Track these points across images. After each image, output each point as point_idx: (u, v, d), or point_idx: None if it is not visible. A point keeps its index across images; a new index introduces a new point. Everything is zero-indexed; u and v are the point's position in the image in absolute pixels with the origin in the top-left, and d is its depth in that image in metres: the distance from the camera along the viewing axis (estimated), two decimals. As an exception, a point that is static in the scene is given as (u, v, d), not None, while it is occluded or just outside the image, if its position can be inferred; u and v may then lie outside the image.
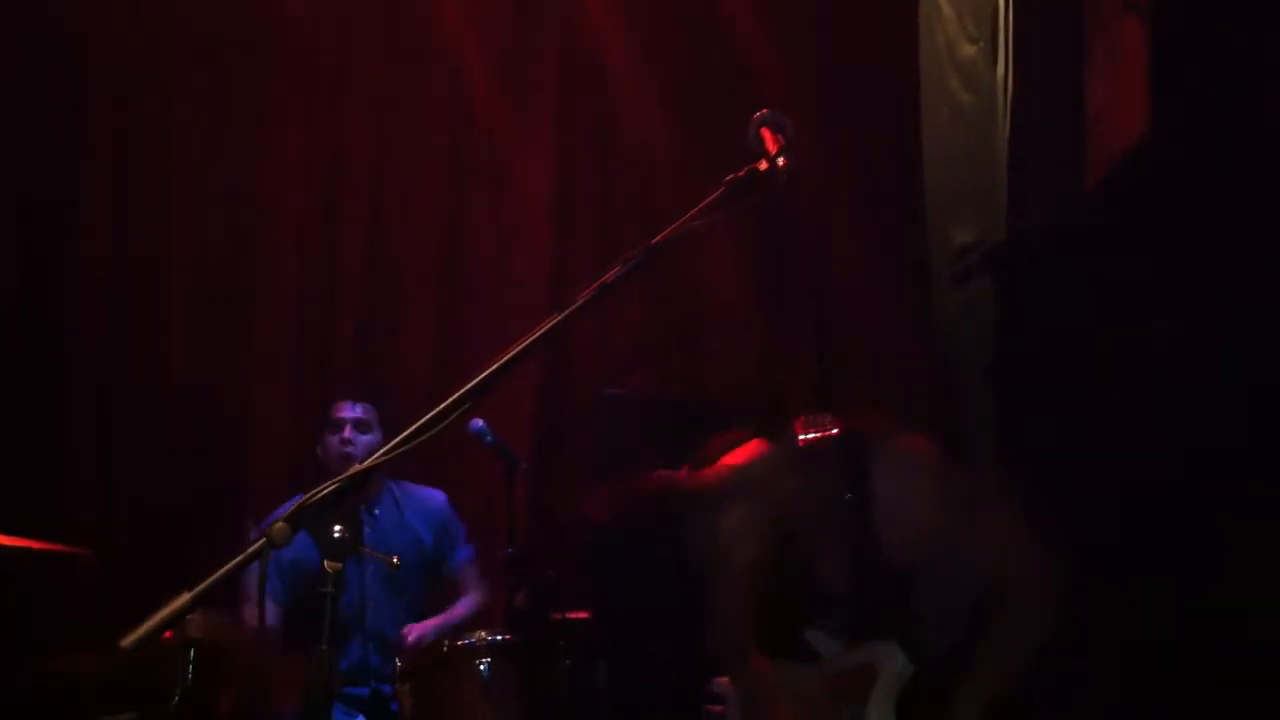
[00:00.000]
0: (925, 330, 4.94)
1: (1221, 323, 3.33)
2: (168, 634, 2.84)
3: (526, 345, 1.86)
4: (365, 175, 5.49)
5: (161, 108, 5.46)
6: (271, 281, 5.42)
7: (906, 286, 5.05)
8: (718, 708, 3.85)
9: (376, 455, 1.83)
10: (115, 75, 5.44)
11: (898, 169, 5.10)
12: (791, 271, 5.32)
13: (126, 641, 1.70)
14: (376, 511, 4.27)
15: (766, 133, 1.99)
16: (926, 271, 4.93)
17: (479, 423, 3.92)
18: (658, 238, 1.93)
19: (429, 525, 4.34)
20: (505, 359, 1.84)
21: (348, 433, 4.25)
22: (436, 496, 4.42)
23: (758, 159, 1.97)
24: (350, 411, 4.31)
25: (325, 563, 1.84)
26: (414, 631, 4.00)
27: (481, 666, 3.26)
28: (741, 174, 1.96)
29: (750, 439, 2.48)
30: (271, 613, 3.98)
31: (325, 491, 1.77)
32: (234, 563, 1.76)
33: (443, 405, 1.81)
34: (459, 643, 3.32)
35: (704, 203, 1.96)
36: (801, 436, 2.42)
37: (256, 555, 1.75)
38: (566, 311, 1.88)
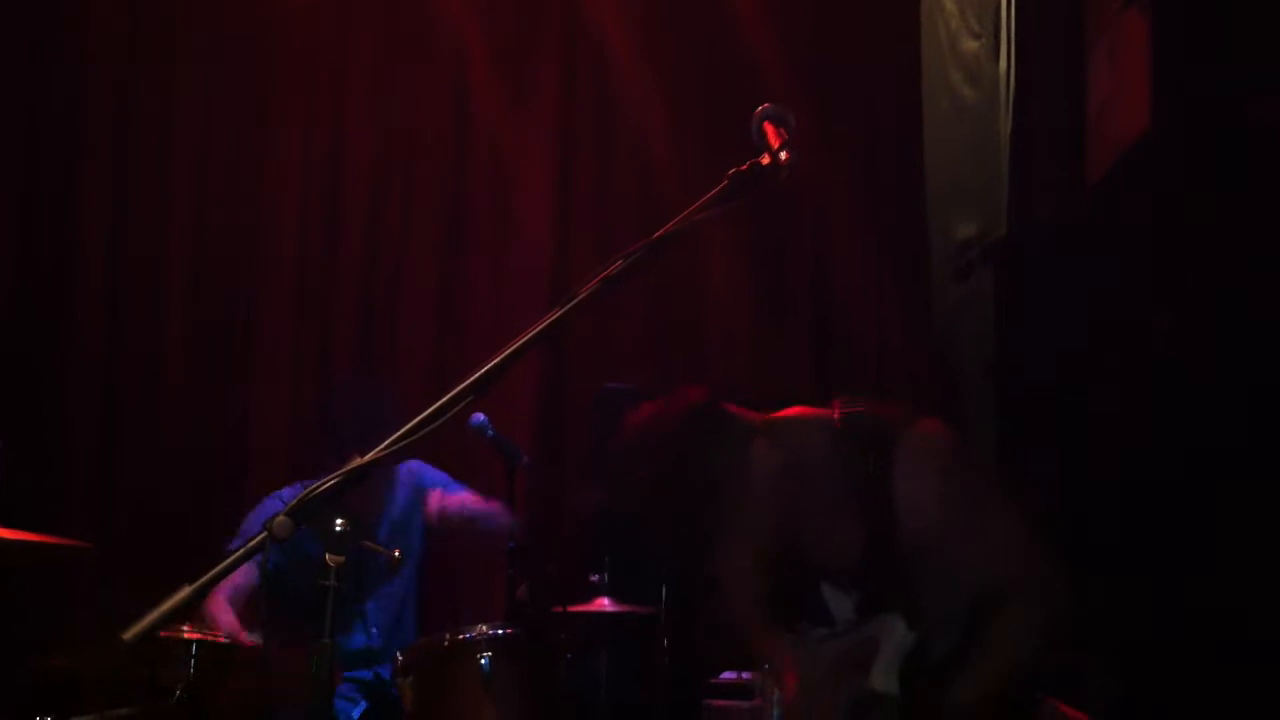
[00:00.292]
0: (925, 325, 4.95)
1: (1222, 319, 3.33)
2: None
3: (528, 339, 1.86)
4: (365, 173, 5.48)
5: (161, 107, 5.46)
6: (271, 279, 5.42)
7: (907, 281, 5.05)
8: (717, 701, 3.86)
9: (378, 450, 1.82)
10: (115, 74, 5.44)
11: (898, 163, 5.11)
12: (791, 266, 5.32)
13: (129, 635, 1.70)
14: (388, 508, 4.24)
15: (769, 127, 1.99)
16: (927, 266, 4.93)
17: (480, 417, 3.92)
18: (660, 231, 1.93)
19: (408, 490, 4.28)
20: (506, 353, 1.84)
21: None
22: (407, 465, 4.35)
23: (760, 153, 1.96)
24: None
25: (327, 556, 1.83)
26: (436, 500, 4.07)
27: (482, 660, 3.26)
28: (744, 168, 1.95)
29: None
30: (242, 590, 3.92)
31: (327, 485, 1.77)
32: (235, 556, 1.76)
33: (444, 400, 1.81)
34: (460, 636, 3.32)
35: (706, 197, 1.96)
36: (840, 411, 2.54)
37: (258, 549, 1.75)
38: (568, 305, 1.88)
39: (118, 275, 5.37)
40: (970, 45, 4.59)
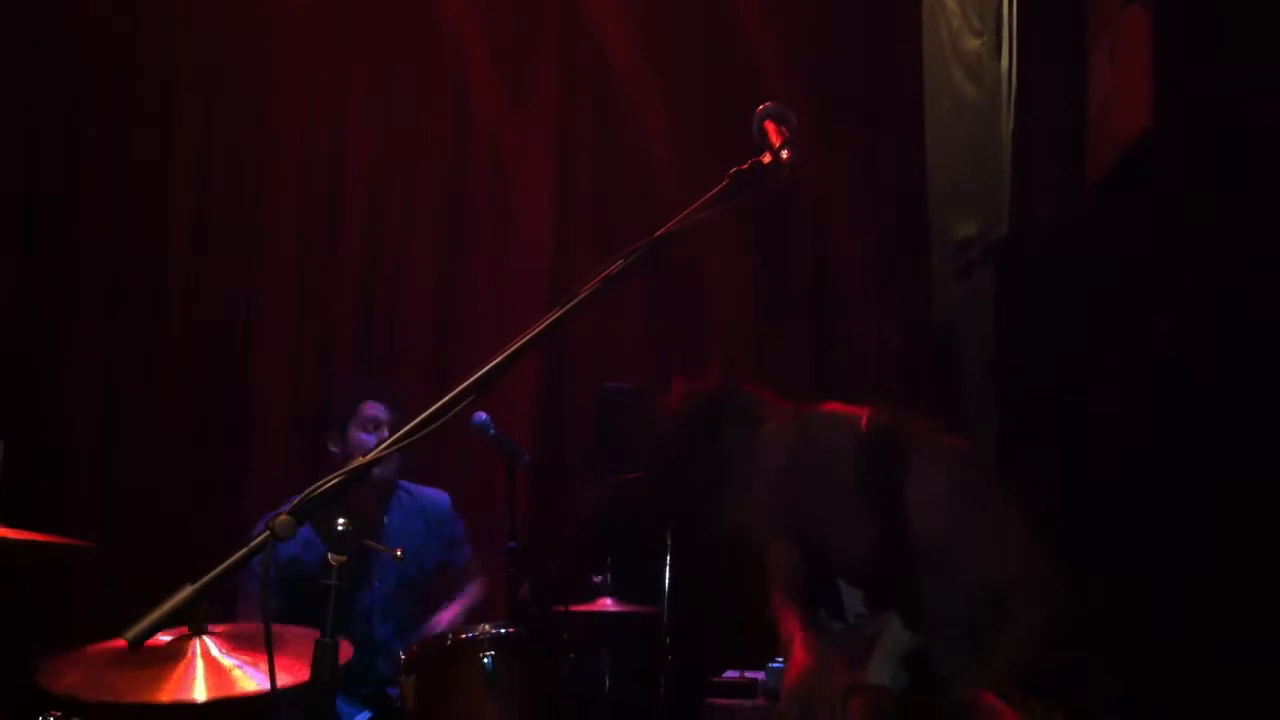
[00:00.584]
0: (925, 324, 4.95)
1: (1222, 319, 3.33)
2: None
3: (529, 339, 1.86)
4: (365, 173, 5.48)
5: (161, 107, 5.46)
6: (271, 279, 5.42)
7: (907, 280, 5.05)
8: (720, 700, 3.87)
9: (380, 448, 1.82)
10: (115, 74, 5.44)
11: (899, 162, 5.11)
12: (792, 265, 5.31)
13: (130, 634, 1.70)
14: (386, 520, 4.26)
15: (770, 125, 1.99)
16: (927, 265, 4.93)
17: (482, 416, 3.94)
18: (660, 231, 1.93)
19: (433, 526, 4.33)
20: (508, 352, 1.84)
21: (386, 433, 4.24)
22: (441, 498, 4.41)
23: (761, 152, 1.96)
24: (384, 413, 4.28)
25: (330, 555, 1.83)
26: (441, 623, 4.11)
27: (485, 659, 3.25)
28: (745, 166, 1.95)
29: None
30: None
31: (330, 484, 1.76)
32: (237, 555, 1.75)
33: (445, 399, 1.81)
34: (462, 636, 3.32)
35: (707, 196, 1.96)
36: (867, 418, 2.62)
37: (260, 548, 1.75)
38: (569, 305, 1.88)
39: (117, 275, 5.37)
40: (972, 44, 4.59)
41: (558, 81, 5.49)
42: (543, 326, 1.87)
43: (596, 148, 5.51)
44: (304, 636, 2.62)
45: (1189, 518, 3.36)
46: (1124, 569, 3.55)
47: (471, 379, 1.82)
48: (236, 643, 2.94)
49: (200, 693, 2.78)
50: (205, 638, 2.92)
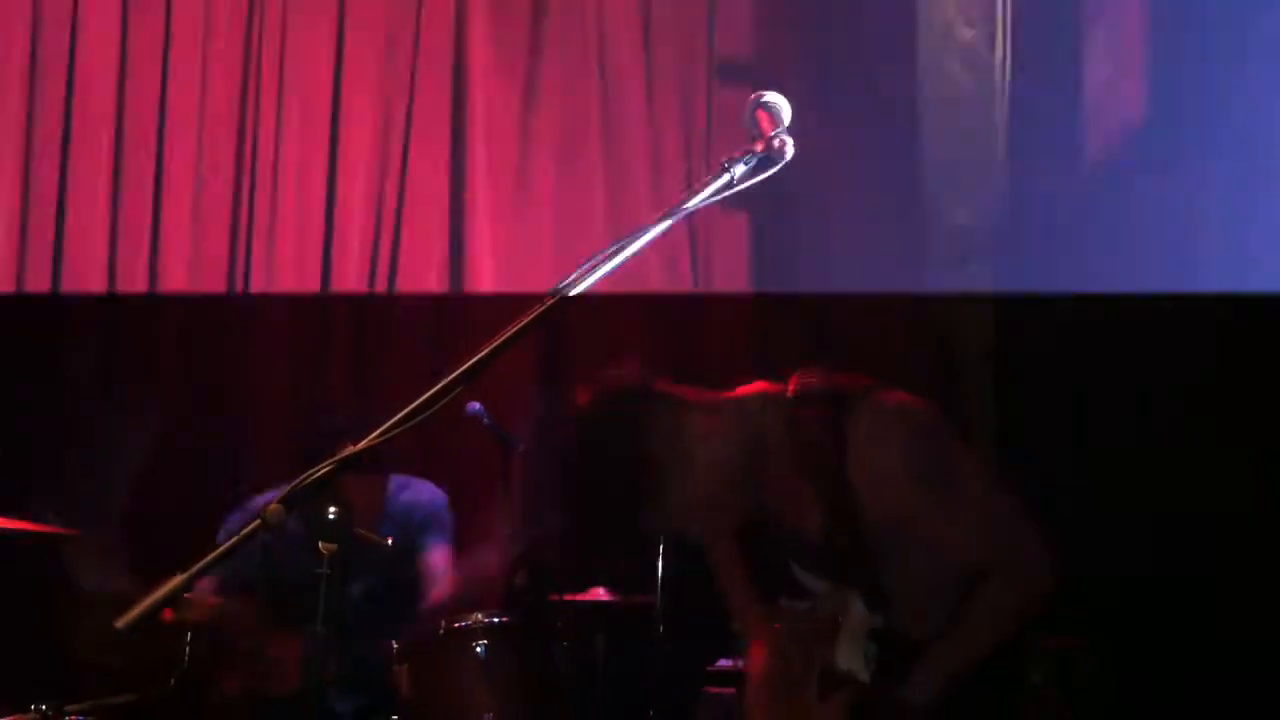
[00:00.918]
0: (923, 314, 4.94)
1: (1223, 305, 3.33)
2: (167, 613, 2.87)
3: (519, 328, 1.85)
4: (365, 164, 5.46)
5: (159, 104, 5.43)
6: (271, 271, 5.40)
7: (904, 268, 5.04)
8: (714, 689, 3.87)
9: (370, 437, 1.81)
10: (111, 68, 5.41)
11: (895, 152, 5.09)
12: (786, 254, 5.31)
13: (122, 622, 1.70)
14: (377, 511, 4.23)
15: (763, 114, 1.98)
16: (924, 253, 4.93)
17: (476, 405, 3.93)
18: (655, 220, 1.92)
19: (411, 515, 4.28)
20: (500, 341, 1.84)
21: None
22: (427, 490, 4.36)
23: (754, 140, 1.96)
24: None
25: (320, 544, 1.83)
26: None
27: (479, 648, 3.26)
28: (738, 155, 1.95)
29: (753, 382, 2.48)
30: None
31: (319, 473, 1.76)
32: (229, 544, 1.75)
33: (437, 387, 1.81)
34: (456, 624, 3.32)
35: (701, 185, 1.95)
36: (795, 384, 2.40)
37: (251, 536, 1.74)
38: (561, 295, 1.87)
39: (116, 275, 5.36)
40: (966, 33, 4.59)
41: (558, 64, 5.47)
42: (532, 317, 1.86)
43: (598, 132, 5.48)
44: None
45: (1186, 504, 3.36)
46: (1124, 549, 3.56)
47: (460, 369, 1.82)
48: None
49: None
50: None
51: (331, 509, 1.85)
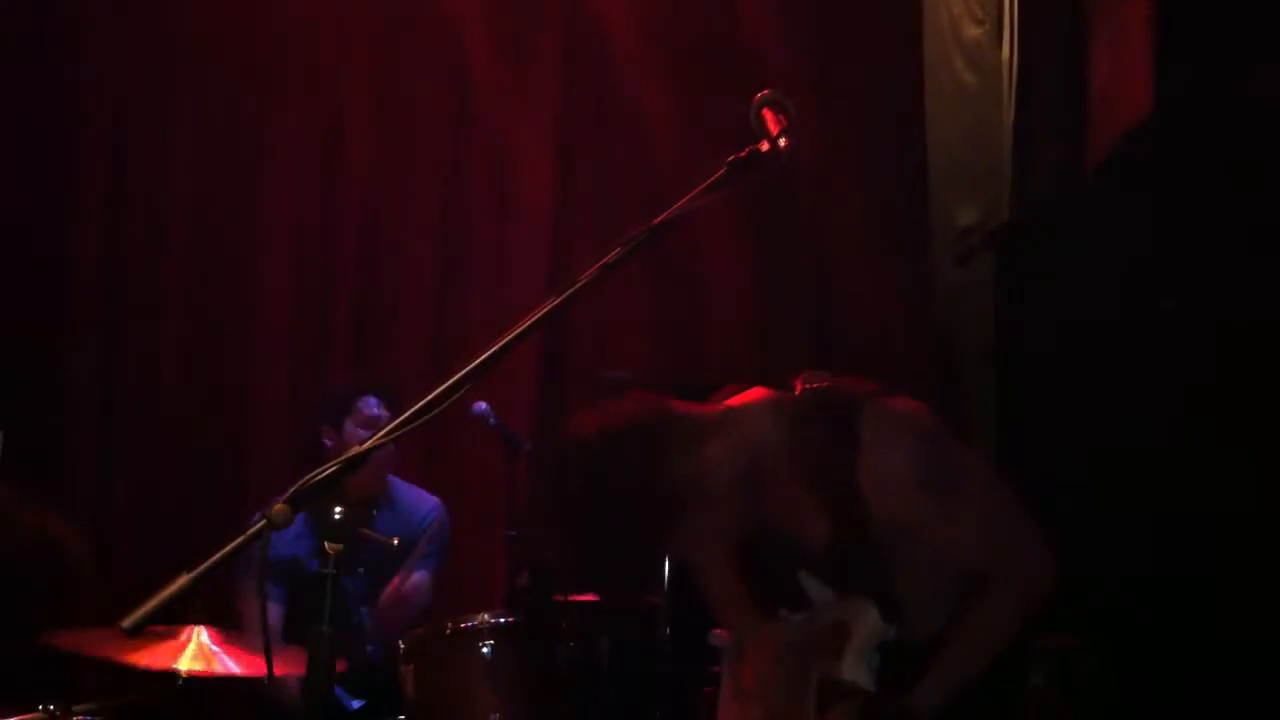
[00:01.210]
0: (925, 310, 4.94)
1: (1224, 303, 3.33)
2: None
3: (527, 326, 1.85)
4: (364, 157, 5.46)
5: (160, 103, 5.44)
6: (271, 263, 5.40)
7: (907, 266, 5.04)
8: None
9: (376, 437, 1.82)
10: (113, 72, 5.42)
11: (900, 150, 5.09)
12: (792, 254, 5.30)
13: (126, 623, 1.70)
14: (375, 513, 4.23)
15: (768, 113, 1.97)
16: (928, 251, 4.93)
17: (483, 405, 3.93)
18: (659, 218, 1.92)
19: (409, 525, 4.28)
20: (505, 340, 1.84)
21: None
22: (427, 501, 4.36)
23: (759, 139, 1.95)
24: (381, 410, 4.24)
25: (326, 544, 1.83)
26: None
27: (484, 649, 3.26)
28: (743, 154, 1.94)
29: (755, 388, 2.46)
30: (274, 613, 3.96)
31: (325, 473, 1.76)
32: (234, 544, 1.75)
33: (442, 388, 1.81)
34: (461, 625, 3.32)
35: (705, 183, 1.95)
36: (799, 389, 2.38)
37: (256, 536, 1.75)
38: (566, 293, 1.87)
39: (116, 275, 5.37)
40: (973, 32, 4.59)
41: (560, 54, 5.46)
42: (538, 315, 1.86)
43: (598, 123, 5.48)
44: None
45: (1186, 503, 3.36)
46: (1123, 548, 3.56)
47: (466, 368, 1.82)
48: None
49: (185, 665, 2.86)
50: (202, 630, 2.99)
51: (337, 509, 1.85)
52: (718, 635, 2.63)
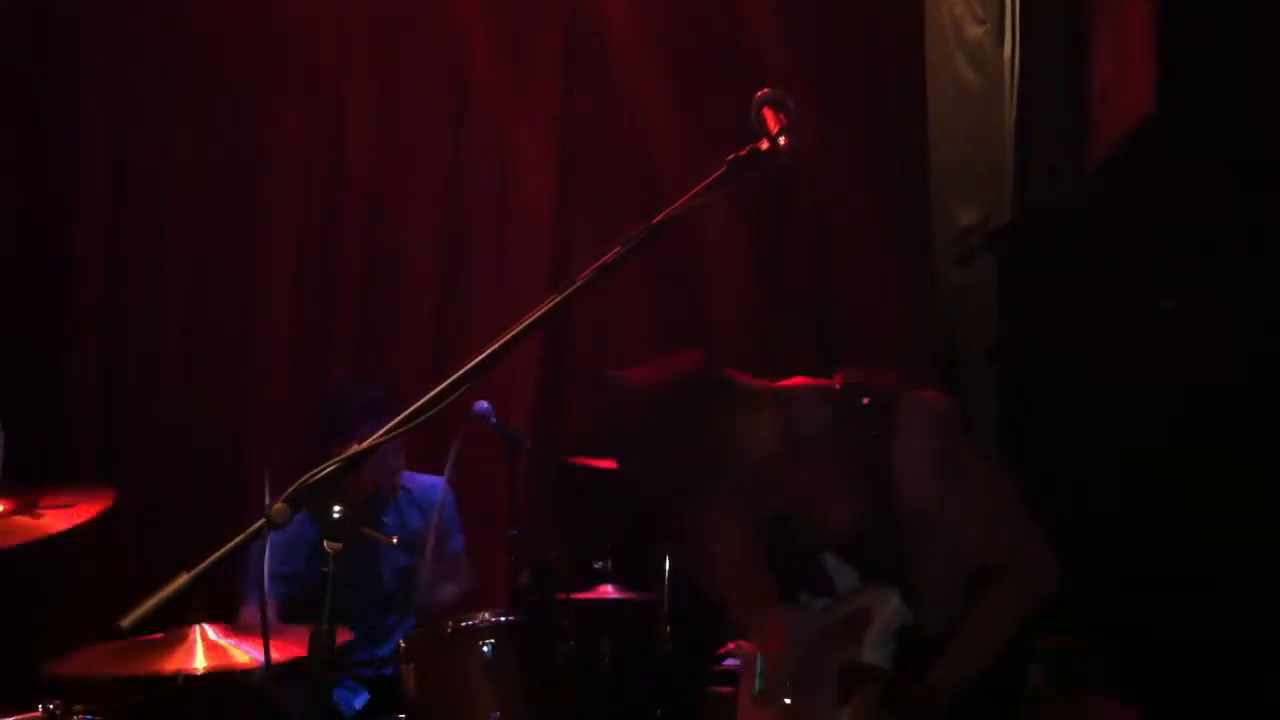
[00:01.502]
0: (927, 310, 4.94)
1: (1223, 301, 3.33)
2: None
3: (527, 325, 1.85)
4: (364, 157, 5.46)
5: (160, 103, 5.44)
6: (271, 262, 5.40)
7: (909, 266, 5.04)
8: (721, 689, 3.86)
9: (376, 435, 1.82)
10: (113, 71, 5.42)
11: (902, 149, 5.09)
12: (794, 253, 5.30)
13: (126, 621, 1.70)
14: (385, 519, 4.23)
15: (769, 112, 1.98)
16: (929, 251, 4.93)
17: (484, 404, 3.92)
18: (659, 217, 1.92)
19: (427, 515, 4.29)
20: (505, 339, 1.84)
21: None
22: (434, 485, 4.39)
23: (759, 138, 1.95)
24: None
25: (325, 543, 1.83)
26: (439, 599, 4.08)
27: (485, 647, 3.26)
28: (743, 153, 1.94)
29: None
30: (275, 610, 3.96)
31: (324, 472, 1.76)
32: (234, 543, 1.75)
33: (441, 386, 1.81)
34: (462, 624, 3.32)
35: (705, 182, 1.95)
36: (840, 381, 2.51)
37: (256, 535, 1.75)
38: (566, 292, 1.87)
39: (116, 275, 5.36)
40: (975, 31, 4.59)
41: (560, 53, 5.45)
42: (538, 314, 1.86)
43: (598, 120, 5.47)
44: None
45: (1187, 501, 3.36)
46: (1124, 546, 3.56)
47: (466, 367, 1.82)
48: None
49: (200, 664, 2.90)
50: (205, 626, 2.99)
51: (337, 508, 1.85)
52: (734, 648, 2.69)
